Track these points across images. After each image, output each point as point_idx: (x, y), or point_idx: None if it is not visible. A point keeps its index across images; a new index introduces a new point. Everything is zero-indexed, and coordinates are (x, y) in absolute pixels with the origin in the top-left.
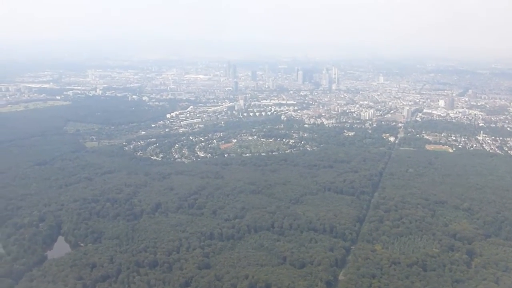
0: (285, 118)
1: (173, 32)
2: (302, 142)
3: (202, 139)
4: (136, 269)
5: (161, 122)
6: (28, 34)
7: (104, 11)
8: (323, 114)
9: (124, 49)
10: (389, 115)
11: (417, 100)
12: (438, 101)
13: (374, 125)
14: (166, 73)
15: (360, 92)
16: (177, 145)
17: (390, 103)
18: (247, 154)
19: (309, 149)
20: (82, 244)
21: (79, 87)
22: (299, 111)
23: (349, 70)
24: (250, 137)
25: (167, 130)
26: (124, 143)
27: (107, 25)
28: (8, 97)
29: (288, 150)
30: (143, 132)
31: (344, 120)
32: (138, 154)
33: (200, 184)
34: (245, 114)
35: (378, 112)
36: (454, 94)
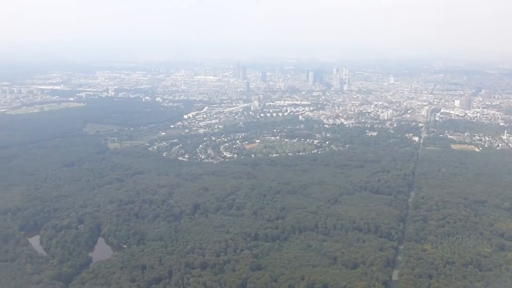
0: (303, 119)
1: (175, 35)
2: (327, 142)
3: (225, 140)
4: (188, 271)
5: (179, 123)
6: (29, 36)
7: (105, 14)
8: (340, 115)
9: (128, 52)
10: (408, 115)
11: (431, 100)
12: (454, 101)
13: (395, 125)
14: (174, 74)
15: (372, 92)
16: (201, 145)
17: (404, 103)
18: (274, 155)
19: (335, 149)
20: (125, 246)
21: (90, 89)
22: (315, 111)
23: (357, 71)
24: (273, 138)
25: (186, 131)
26: (146, 144)
27: (108, 28)
28: (21, 99)
29: (315, 150)
30: (163, 133)
31: (363, 120)
32: (164, 154)
33: (234, 185)
34: (262, 115)
35: (395, 112)
36: (467, 94)
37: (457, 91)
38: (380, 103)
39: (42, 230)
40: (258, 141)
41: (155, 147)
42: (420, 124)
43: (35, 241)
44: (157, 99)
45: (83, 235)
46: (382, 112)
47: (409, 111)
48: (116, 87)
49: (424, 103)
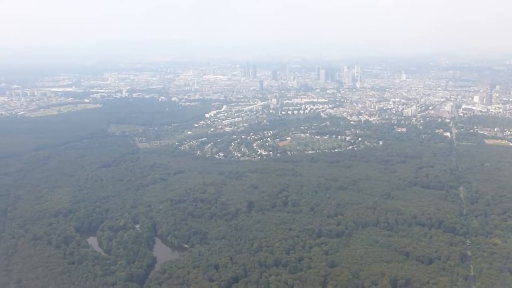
0: (326, 116)
1: (179, 35)
2: (359, 139)
3: (255, 138)
4: (263, 269)
5: (202, 122)
6: (30, 39)
7: (105, 15)
8: (362, 112)
9: (132, 53)
10: (432, 111)
11: (448, 97)
12: (472, 97)
13: (421, 121)
14: (183, 74)
15: (387, 89)
16: (233, 143)
17: (422, 100)
18: (310, 152)
19: (369, 145)
20: (186, 246)
21: (102, 90)
22: (335, 108)
23: (365, 68)
24: (302, 135)
25: (212, 129)
26: (176, 143)
27: (109, 29)
28: (36, 101)
29: (350, 147)
30: (189, 132)
31: (386, 117)
32: (198, 153)
33: (282, 182)
34: (283, 113)
35: (418, 108)
36: (487, 90)
37: (471, 87)
38: (398, 100)
39: (99, 231)
40: (289, 138)
41: (186, 146)
42: (447, 120)
43: (93, 242)
44: (173, 98)
45: (143, 235)
46: (406, 108)
47: (430, 107)
48: (128, 87)
49: (442, 99)
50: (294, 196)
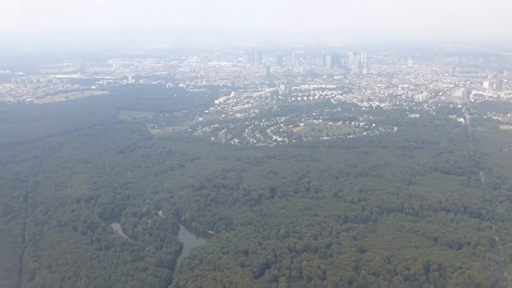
0: (336, 102)
1: (179, 22)
2: (373, 125)
3: (269, 124)
4: (294, 255)
5: (212, 108)
6: (29, 26)
7: (105, 1)
8: (372, 98)
9: (132, 39)
10: (443, 97)
11: (456, 82)
12: (482, 83)
13: (433, 107)
14: (187, 60)
15: (394, 75)
16: (246, 130)
17: (430, 86)
18: (325, 137)
19: (384, 131)
20: (211, 232)
21: (108, 77)
22: (344, 94)
23: (370, 54)
24: (315, 121)
25: (223, 115)
26: (189, 130)
27: (108, 15)
28: (43, 88)
29: (364, 133)
30: (200, 118)
31: (397, 102)
32: (212, 139)
33: (301, 168)
34: (292, 99)
35: (428, 94)
36: (489, 76)
37: (478, 73)
38: (406, 85)
39: (122, 218)
40: (302, 124)
41: (199, 132)
42: (459, 106)
43: (117, 228)
44: (181, 85)
45: (167, 221)
46: (416, 94)
47: (440, 93)
48: (133, 74)
49: (450, 85)
50: (315, 182)
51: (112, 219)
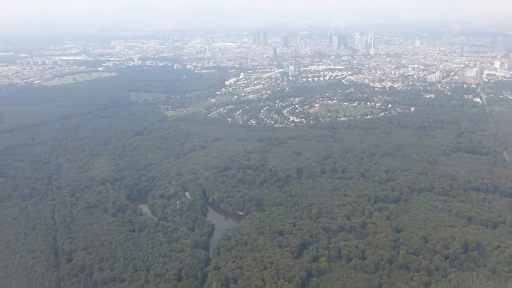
0: (347, 83)
1: (178, 1)
2: (389, 105)
3: (283, 105)
4: (329, 235)
5: (223, 89)
6: (28, 6)
7: None
8: (383, 78)
9: (133, 19)
10: (456, 77)
11: (466, 62)
12: (493, 62)
13: (447, 87)
14: (191, 42)
15: (402, 56)
16: (262, 110)
17: (440, 66)
18: (343, 118)
19: (401, 111)
20: (240, 213)
21: (113, 58)
22: (354, 75)
23: (376, 35)
24: (330, 101)
25: (235, 97)
26: (204, 111)
27: None
28: (49, 70)
29: (382, 113)
30: (213, 100)
31: (410, 83)
32: (229, 120)
33: (325, 148)
34: (303, 80)
35: (441, 74)
36: (498, 56)
37: (487, 53)
38: (416, 66)
39: (150, 199)
40: (317, 105)
41: (214, 114)
42: (473, 86)
43: (145, 210)
44: (188, 66)
45: (196, 203)
46: (428, 74)
47: (451, 73)
48: (139, 55)
49: (461, 65)
50: (341, 162)
51: (138, 201)
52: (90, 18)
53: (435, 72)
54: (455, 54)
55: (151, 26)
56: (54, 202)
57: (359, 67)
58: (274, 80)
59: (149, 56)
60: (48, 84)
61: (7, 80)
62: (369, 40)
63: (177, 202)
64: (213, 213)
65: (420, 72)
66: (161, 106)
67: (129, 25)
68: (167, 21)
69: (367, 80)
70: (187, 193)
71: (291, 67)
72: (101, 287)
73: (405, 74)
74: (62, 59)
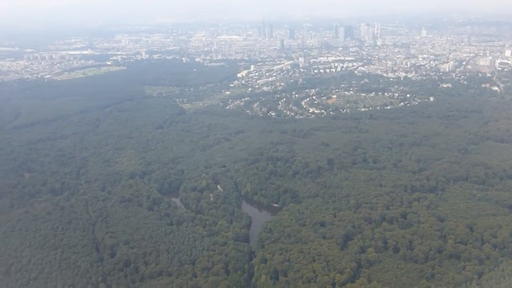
0: (360, 74)
1: None
2: (408, 95)
3: (301, 96)
4: (372, 226)
5: (236, 82)
6: (24, 3)
7: None
8: (396, 68)
9: (134, 13)
10: (469, 66)
11: (476, 52)
12: (503, 51)
13: (462, 77)
14: (196, 35)
15: (410, 46)
16: (280, 102)
17: (450, 56)
18: (363, 109)
19: (420, 101)
20: (275, 205)
21: (119, 52)
22: (365, 66)
23: (380, 25)
24: (347, 92)
25: (250, 89)
26: (220, 104)
27: None
28: (58, 64)
29: (401, 103)
30: (227, 92)
31: (424, 73)
32: (248, 112)
33: (351, 139)
34: (315, 71)
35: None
36: (507, 44)
37: (495, 42)
38: (426, 56)
39: (182, 192)
40: (335, 96)
41: (232, 106)
42: (488, 75)
43: (178, 203)
44: (197, 59)
45: (230, 195)
46: (442, 64)
47: (463, 63)
48: (145, 49)
49: (471, 55)
50: (371, 152)
51: (169, 194)
52: (91, 13)
53: (448, 62)
54: (463, 44)
55: (153, 20)
56: (85, 197)
57: (369, 57)
58: (285, 72)
59: (155, 49)
60: (59, 79)
61: (17, 75)
62: (376, 31)
63: (211, 195)
64: (246, 206)
65: (431, 62)
66: (177, 99)
67: (131, 19)
68: (168, 15)
69: (379, 70)
70: (218, 186)
71: (301, 59)
72: (148, 282)
73: (416, 64)
74: (70, 54)
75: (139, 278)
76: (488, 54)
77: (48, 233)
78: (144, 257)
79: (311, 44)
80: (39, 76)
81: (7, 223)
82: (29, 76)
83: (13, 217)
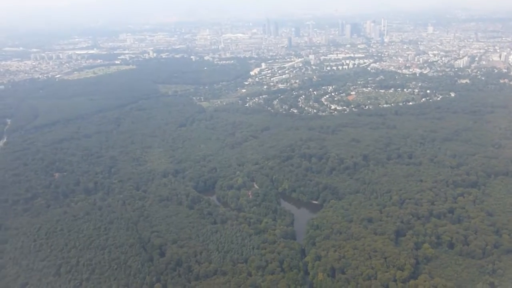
0: (373, 70)
1: None
2: (428, 91)
3: (320, 93)
4: (422, 221)
5: (250, 80)
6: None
7: None
8: (408, 65)
9: (136, 14)
10: (484, 62)
11: (485, 48)
12: None
13: (479, 72)
14: (200, 34)
15: (418, 43)
16: (299, 99)
17: (461, 52)
18: (385, 105)
19: (442, 97)
20: (315, 202)
21: (126, 51)
22: (377, 63)
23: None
24: (365, 89)
25: (265, 87)
26: (239, 101)
27: None
28: (66, 64)
29: (423, 99)
30: (243, 90)
31: (438, 69)
32: (270, 110)
33: (381, 135)
34: (328, 68)
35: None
36: None
37: (503, 38)
38: (436, 52)
39: (218, 190)
40: (354, 93)
41: (251, 103)
42: (504, 70)
43: (215, 201)
44: (206, 58)
45: (269, 193)
46: (456, 60)
47: (476, 58)
48: (152, 48)
49: (481, 51)
50: (404, 148)
51: (204, 192)
52: (91, 12)
53: (461, 58)
54: (471, 40)
55: (154, 19)
56: (121, 196)
57: (379, 54)
58: (297, 69)
59: (162, 48)
60: (70, 78)
61: (26, 75)
62: (382, 28)
63: (249, 192)
64: (284, 203)
65: (443, 58)
66: (193, 98)
67: (132, 19)
68: (169, 14)
69: (392, 67)
70: (254, 184)
71: (311, 56)
72: (204, 281)
73: (429, 61)
74: (77, 53)
75: (194, 277)
76: (498, 50)
77: (91, 233)
78: (195, 256)
79: (318, 42)
80: (49, 75)
81: (47, 223)
82: (40, 76)
83: (51, 218)
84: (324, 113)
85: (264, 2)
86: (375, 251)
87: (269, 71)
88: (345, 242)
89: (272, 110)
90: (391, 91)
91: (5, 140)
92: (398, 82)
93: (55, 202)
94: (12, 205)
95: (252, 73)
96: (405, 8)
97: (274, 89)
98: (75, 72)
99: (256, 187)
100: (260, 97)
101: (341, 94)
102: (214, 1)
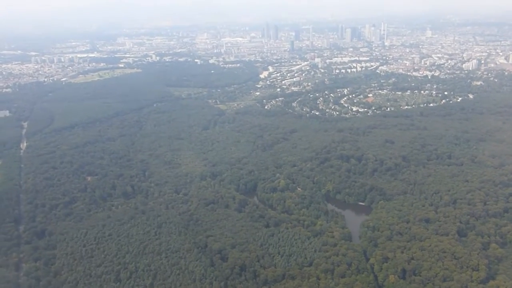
0: (383, 73)
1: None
2: (445, 93)
3: (337, 95)
4: (481, 221)
5: (262, 83)
6: (16, 4)
7: None
8: (417, 68)
9: (130, 18)
10: (492, 64)
11: (487, 51)
12: None
13: (490, 74)
14: (199, 37)
15: (420, 46)
16: (318, 101)
17: (464, 55)
18: (406, 107)
19: (461, 99)
20: (361, 203)
21: (127, 55)
22: (384, 66)
23: (381, 27)
24: (381, 91)
25: (278, 89)
26: (257, 104)
27: None
28: (69, 67)
29: (443, 101)
30: (257, 93)
31: (448, 71)
32: (292, 112)
33: (413, 136)
34: (337, 71)
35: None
36: None
37: (502, 42)
38: (440, 55)
39: (260, 193)
40: (371, 95)
41: (269, 106)
42: None
43: (256, 203)
44: (211, 61)
45: (315, 194)
46: (465, 63)
47: (482, 61)
48: (153, 52)
49: (483, 54)
50: (442, 149)
51: (246, 194)
52: (85, 16)
53: (469, 61)
54: (470, 44)
55: (150, 23)
56: (162, 199)
57: (383, 58)
58: (306, 72)
59: (163, 52)
60: (76, 82)
61: (31, 78)
62: (382, 32)
63: (294, 195)
64: (328, 205)
65: (448, 61)
66: (209, 100)
67: (127, 23)
68: (163, 18)
69: (401, 70)
70: (296, 185)
71: (317, 60)
72: (273, 285)
73: (436, 64)
74: (79, 57)
75: (262, 282)
76: (501, 53)
77: (142, 238)
78: (258, 260)
79: (319, 45)
80: (54, 79)
81: (94, 228)
82: (45, 79)
83: (96, 222)
84: (347, 115)
85: (258, 7)
86: (443, 251)
87: (278, 74)
88: (409, 243)
89: (294, 113)
90: (408, 93)
91: (25, 143)
92: (412, 84)
93: (95, 206)
94: (51, 210)
95: (261, 76)
96: (398, 13)
97: (288, 91)
98: (80, 75)
99: (299, 189)
100: (277, 99)
101: (359, 96)
102: (209, 6)
